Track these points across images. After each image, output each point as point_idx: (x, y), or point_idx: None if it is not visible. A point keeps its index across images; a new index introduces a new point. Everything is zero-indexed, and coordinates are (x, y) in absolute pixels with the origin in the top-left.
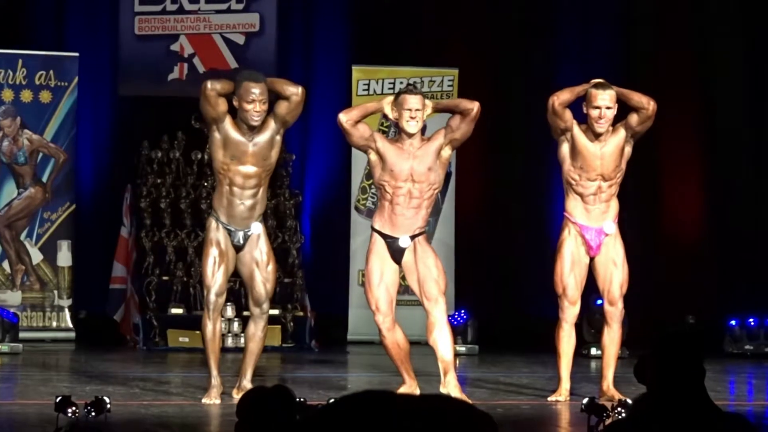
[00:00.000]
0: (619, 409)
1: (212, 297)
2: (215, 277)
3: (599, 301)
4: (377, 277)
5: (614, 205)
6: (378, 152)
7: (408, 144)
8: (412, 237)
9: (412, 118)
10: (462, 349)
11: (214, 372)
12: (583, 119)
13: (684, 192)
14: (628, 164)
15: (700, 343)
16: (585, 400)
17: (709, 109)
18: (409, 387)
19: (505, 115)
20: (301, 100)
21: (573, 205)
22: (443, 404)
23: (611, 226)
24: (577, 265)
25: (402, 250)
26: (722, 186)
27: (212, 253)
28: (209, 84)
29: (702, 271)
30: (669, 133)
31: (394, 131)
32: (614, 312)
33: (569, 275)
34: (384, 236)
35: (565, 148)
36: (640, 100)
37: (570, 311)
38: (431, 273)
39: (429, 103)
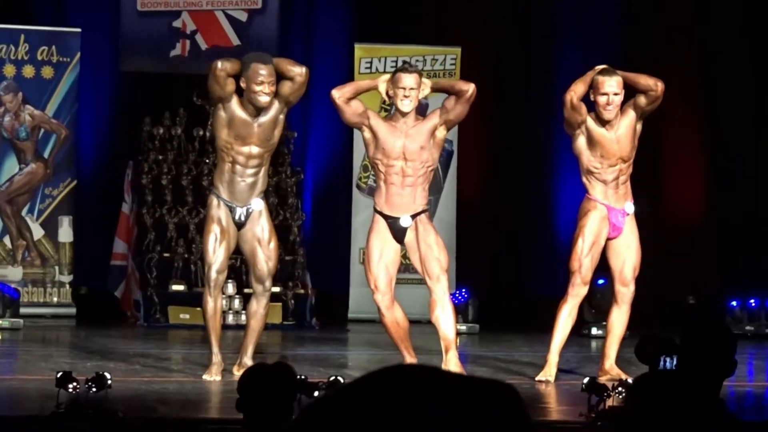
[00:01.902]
0: (619, 388)
1: (213, 274)
2: (216, 254)
3: (601, 281)
4: (377, 256)
5: (629, 186)
6: (371, 129)
7: (402, 122)
8: (413, 216)
9: (405, 96)
10: (463, 327)
11: (215, 349)
12: (590, 107)
13: (685, 172)
14: None
15: (733, 344)
16: (586, 380)
17: (710, 91)
18: None
19: (507, 94)
20: (305, 81)
21: (593, 189)
22: (464, 379)
23: (631, 207)
24: (595, 247)
25: (404, 230)
26: (723, 166)
27: (213, 231)
28: (219, 64)
29: (703, 251)
30: (670, 114)
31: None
32: (626, 293)
33: (587, 254)
34: (385, 217)
35: (581, 141)
36: (647, 83)
37: (580, 290)
38: (432, 251)
39: (427, 81)
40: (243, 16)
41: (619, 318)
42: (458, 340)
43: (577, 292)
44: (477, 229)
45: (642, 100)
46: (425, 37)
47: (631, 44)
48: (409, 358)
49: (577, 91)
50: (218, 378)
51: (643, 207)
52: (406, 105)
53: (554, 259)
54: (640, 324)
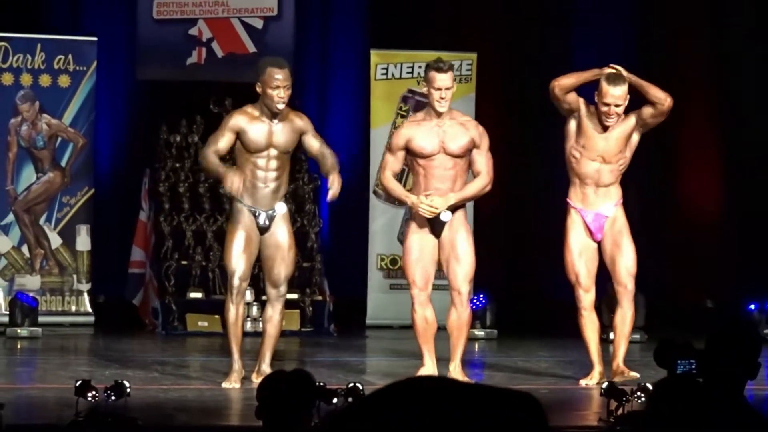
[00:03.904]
0: (638, 393)
1: (236, 281)
2: (239, 261)
3: None
4: (416, 253)
5: (615, 191)
6: (410, 146)
7: (437, 121)
8: (453, 211)
9: (442, 98)
10: (480, 333)
11: (236, 356)
12: (592, 101)
13: (702, 174)
14: (647, 145)
15: (758, 346)
16: (604, 385)
17: (726, 90)
18: (427, 370)
19: (523, 100)
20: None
21: (573, 191)
22: (484, 390)
23: (610, 209)
24: (585, 252)
25: (442, 224)
26: (740, 168)
27: (237, 238)
28: (209, 154)
29: (720, 254)
30: (688, 114)
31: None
32: (623, 292)
33: (579, 262)
34: None
35: (572, 125)
36: (657, 95)
37: (586, 298)
38: (458, 259)
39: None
40: (259, 24)
41: (621, 317)
42: (476, 346)
43: (585, 302)
44: (495, 234)
45: (648, 110)
46: (441, 42)
47: (649, 47)
48: (429, 363)
49: (561, 82)
50: (237, 385)
51: (660, 208)
52: (443, 105)
53: (564, 270)
54: (658, 327)
